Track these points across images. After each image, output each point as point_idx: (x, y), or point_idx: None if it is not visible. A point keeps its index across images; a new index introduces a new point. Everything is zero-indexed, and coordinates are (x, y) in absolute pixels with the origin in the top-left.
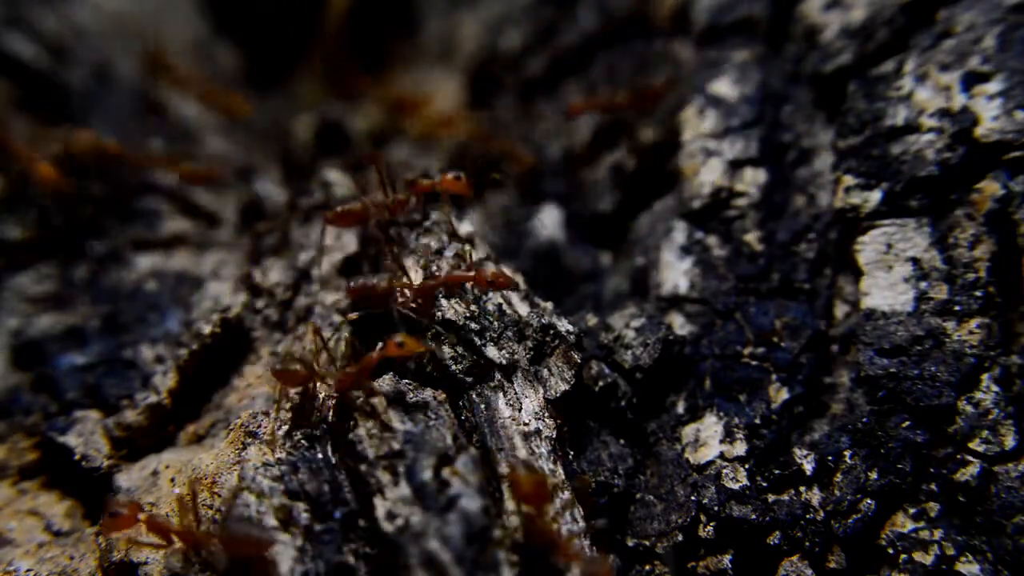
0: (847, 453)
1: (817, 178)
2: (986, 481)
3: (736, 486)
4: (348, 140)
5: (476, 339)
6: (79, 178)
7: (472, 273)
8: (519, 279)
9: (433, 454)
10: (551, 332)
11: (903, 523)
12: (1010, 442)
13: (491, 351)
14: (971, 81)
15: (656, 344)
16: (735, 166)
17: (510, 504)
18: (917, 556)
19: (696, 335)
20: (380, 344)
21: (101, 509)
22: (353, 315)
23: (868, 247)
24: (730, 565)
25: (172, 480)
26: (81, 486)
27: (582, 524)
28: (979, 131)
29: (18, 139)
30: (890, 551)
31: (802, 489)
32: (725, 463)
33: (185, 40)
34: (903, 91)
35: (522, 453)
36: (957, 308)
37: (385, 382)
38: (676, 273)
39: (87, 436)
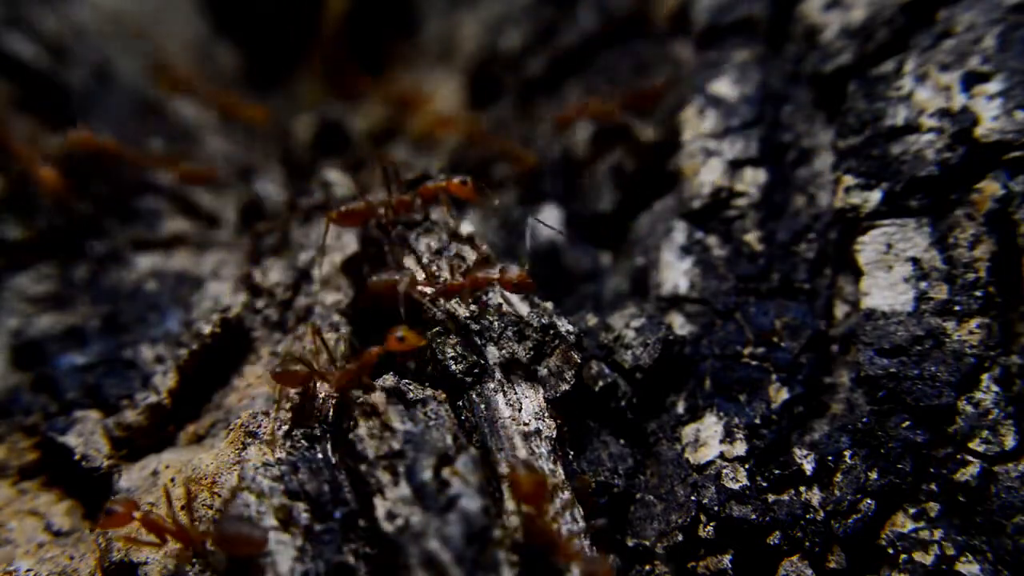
0: (847, 453)
1: (817, 178)
2: (986, 481)
3: (736, 486)
4: (348, 140)
5: (476, 339)
6: (79, 178)
7: (497, 275)
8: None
9: (433, 454)
10: (551, 332)
11: (903, 523)
12: (1010, 442)
13: (491, 351)
14: (971, 81)
15: (656, 344)
16: (735, 166)
17: (510, 504)
18: (917, 556)
19: (696, 335)
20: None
21: (100, 509)
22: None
23: (868, 247)
24: (730, 565)
25: (172, 480)
26: (81, 486)
27: (582, 524)
28: (979, 131)
29: (18, 139)
30: (890, 551)
31: (802, 489)
32: (725, 463)
33: (185, 40)
34: (903, 91)
35: (522, 453)
36: (957, 308)
37: (385, 382)
38: (676, 273)
39: (87, 436)
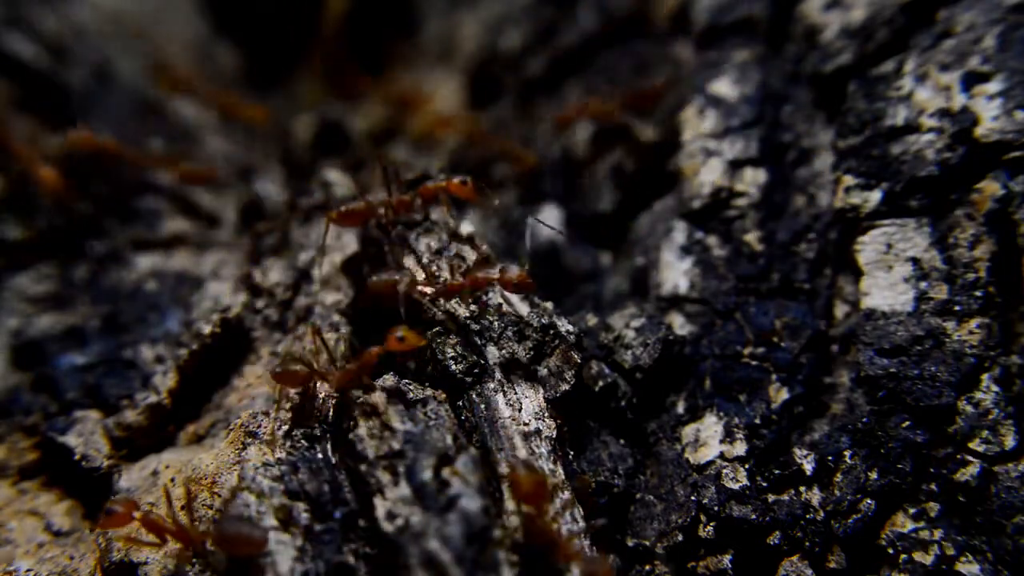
0: (847, 453)
1: (817, 178)
2: (986, 481)
3: (736, 486)
4: (348, 140)
5: (476, 339)
6: (79, 178)
7: (497, 275)
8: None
9: (433, 454)
10: (551, 332)
11: (903, 523)
12: (1010, 442)
13: (491, 351)
14: (971, 81)
15: (656, 344)
16: (735, 166)
17: (510, 504)
18: (917, 556)
19: (696, 335)
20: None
21: (100, 509)
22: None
23: (868, 247)
24: (730, 565)
25: (172, 480)
26: (81, 486)
27: (582, 524)
28: (979, 131)
29: (18, 139)
30: (890, 551)
31: (802, 489)
32: (725, 463)
33: (185, 40)
34: (903, 91)
35: (522, 453)
36: (957, 308)
37: (386, 382)
38: (676, 273)
39: (87, 436)
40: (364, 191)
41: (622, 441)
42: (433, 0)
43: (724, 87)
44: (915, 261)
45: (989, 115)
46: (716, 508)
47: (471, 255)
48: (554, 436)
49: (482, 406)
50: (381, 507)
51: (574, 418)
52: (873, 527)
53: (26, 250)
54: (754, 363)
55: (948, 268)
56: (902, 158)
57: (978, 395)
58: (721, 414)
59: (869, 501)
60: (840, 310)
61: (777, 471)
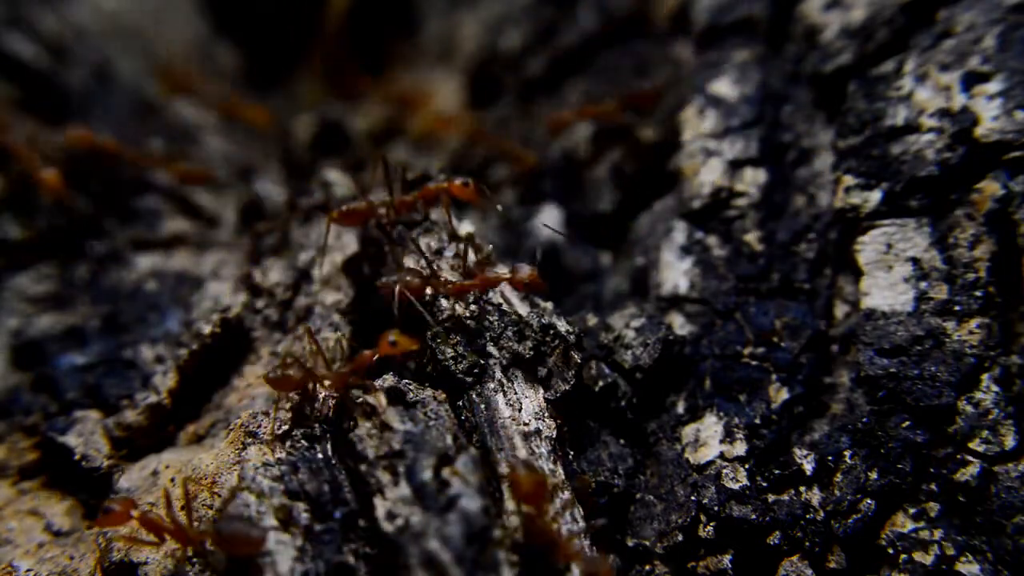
0: (847, 453)
1: (817, 178)
2: (986, 481)
3: (736, 486)
4: (348, 140)
5: (476, 339)
6: (79, 176)
7: (508, 275)
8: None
9: (433, 454)
10: (551, 332)
11: (903, 523)
12: (1010, 442)
13: (491, 351)
14: (971, 81)
15: (656, 344)
16: (735, 166)
17: (510, 504)
18: (917, 556)
19: (696, 335)
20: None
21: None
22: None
23: (868, 247)
24: (730, 565)
25: (172, 480)
26: (81, 486)
27: (582, 524)
28: (979, 131)
29: (18, 139)
30: (890, 551)
31: (802, 489)
32: (725, 463)
33: (185, 40)
34: (903, 91)
35: (522, 453)
36: (957, 308)
37: (385, 382)
38: (676, 273)
39: (87, 436)
40: (364, 191)
41: (622, 441)
42: (433, 0)
43: (724, 87)
44: (915, 261)
45: (989, 115)
46: (716, 508)
47: (472, 255)
48: (554, 436)
49: (482, 406)
50: (381, 507)
51: (574, 418)
52: (873, 527)
53: (26, 250)
54: (754, 363)
55: (948, 268)
56: (902, 158)
57: (978, 395)
58: (721, 414)
59: (869, 501)
60: (840, 310)
61: (777, 471)
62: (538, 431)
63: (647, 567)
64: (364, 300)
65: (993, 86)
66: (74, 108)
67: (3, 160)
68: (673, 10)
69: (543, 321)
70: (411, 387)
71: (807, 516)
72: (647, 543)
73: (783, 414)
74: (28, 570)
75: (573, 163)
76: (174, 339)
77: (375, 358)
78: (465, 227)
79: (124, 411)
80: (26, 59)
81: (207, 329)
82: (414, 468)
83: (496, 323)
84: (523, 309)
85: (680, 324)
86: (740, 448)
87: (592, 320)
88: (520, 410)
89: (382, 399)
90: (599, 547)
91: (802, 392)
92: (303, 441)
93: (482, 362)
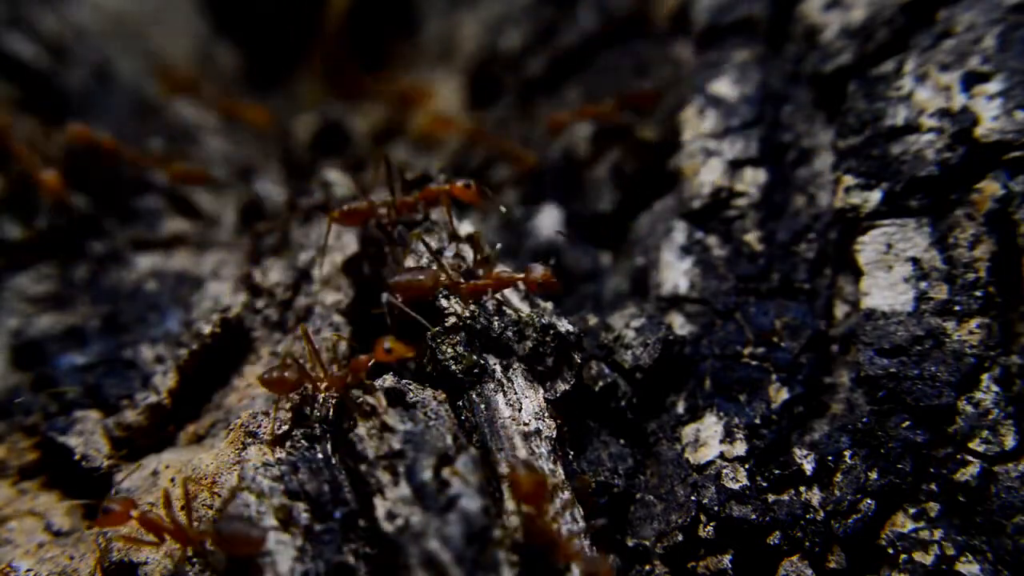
0: (847, 453)
1: (817, 178)
2: (986, 481)
3: (736, 486)
4: (348, 140)
5: (476, 339)
6: (78, 175)
7: (522, 275)
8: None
9: (433, 454)
10: (551, 332)
11: (903, 523)
12: (1010, 442)
13: (491, 351)
14: (971, 81)
15: (656, 344)
16: (735, 166)
17: (510, 504)
18: (917, 556)
19: (696, 335)
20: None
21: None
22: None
23: (868, 247)
24: (730, 565)
25: (172, 480)
26: (81, 486)
27: (582, 524)
28: (979, 131)
29: (18, 139)
30: (890, 551)
31: (802, 489)
32: (725, 463)
33: (185, 40)
34: (903, 91)
35: (522, 453)
36: (957, 308)
37: (385, 382)
38: (676, 273)
39: (87, 436)
40: (365, 191)
41: (622, 441)
42: (433, 0)
43: (724, 87)
44: (915, 261)
45: (989, 115)
46: (716, 508)
47: (472, 255)
48: (554, 436)
49: (482, 406)
50: (381, 507)
51: (574, 418)
52: (873, 527)
53: (26, 250)
54: (754, 363)
55: (948, 268)
56: (902, 158)
57: (978, 395)
58: (721, 414)
59: (869, 501)
60: (840, 310)
61: (777, 471)
62: (538, 431)
63: (647, 567)
64: (364, 300)
65: (993, 86)
66: (74, 108)
67: (3, 160)
68: (673, 10)
69: (543, 321)
70: (411, 387)
71: (807, 516)
72: (647, 543)
73: (783, 414)
74: (28, 570)
75: (573, 163)
76: (174, 339)
77: (370, 363)
78: (467, 227)
79: (124, 411)
80: (26, 59)
81: (207, 329)
82: (414, 468)
83: (496, 323)
84: (523, 309)
85: (680, 324)
86: (740, 448)
87: (592, 320)
88: (520, 410)
89: (382, 399)
90: (599, 547)
91: (802, 392)
92: (303, 441)
93: (482, 362)
